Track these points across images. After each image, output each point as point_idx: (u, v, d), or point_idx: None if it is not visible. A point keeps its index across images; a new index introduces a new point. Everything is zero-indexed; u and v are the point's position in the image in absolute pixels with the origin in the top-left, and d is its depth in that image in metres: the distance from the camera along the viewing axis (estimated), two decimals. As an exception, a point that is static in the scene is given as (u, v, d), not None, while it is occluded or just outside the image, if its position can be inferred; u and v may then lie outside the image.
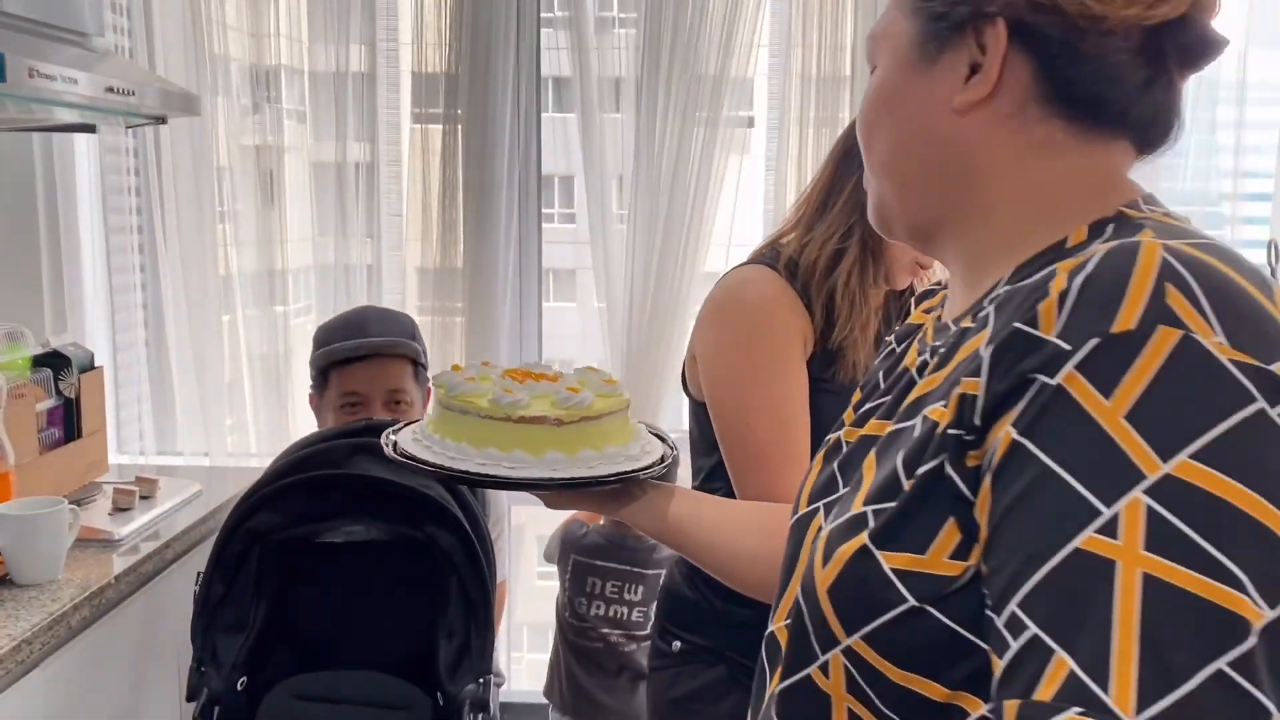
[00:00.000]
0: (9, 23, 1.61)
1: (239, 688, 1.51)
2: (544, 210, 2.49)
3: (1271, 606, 0.48)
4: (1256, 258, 2.23)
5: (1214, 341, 0.51)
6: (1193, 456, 0.50)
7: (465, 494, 1.56)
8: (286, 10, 2.42)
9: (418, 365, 1.84)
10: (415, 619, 1.55)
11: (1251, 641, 0.47)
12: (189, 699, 1.50)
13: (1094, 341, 0.52)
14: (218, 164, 2.44)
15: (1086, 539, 0.50)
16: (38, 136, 2.22)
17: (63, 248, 2.28)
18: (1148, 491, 0.50)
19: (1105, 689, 0.47)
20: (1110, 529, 0.50)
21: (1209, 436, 0.50)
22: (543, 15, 2.38)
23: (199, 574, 1.55)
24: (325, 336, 1.84)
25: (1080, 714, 0.47)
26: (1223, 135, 2.25)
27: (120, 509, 1.79)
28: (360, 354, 1.79)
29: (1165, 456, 0.50)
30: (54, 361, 1.86)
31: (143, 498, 1.84)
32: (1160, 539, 0.49)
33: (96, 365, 1.97)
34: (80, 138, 2.30)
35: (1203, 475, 0.49)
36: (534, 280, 2.49)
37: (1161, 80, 0.64)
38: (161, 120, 1.95)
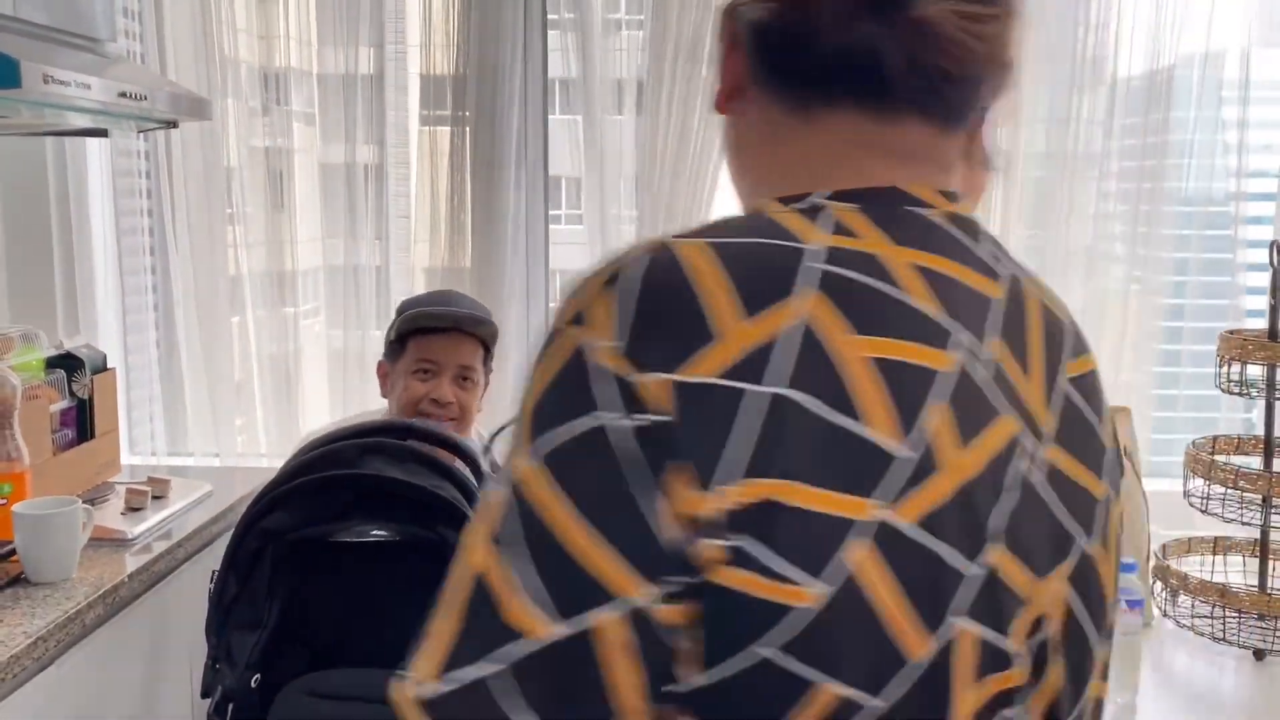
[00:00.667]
0: (23, 29, 1.63)
1: (253, 685, 1.52)
2: (551, 211, 2.50)
3: (565, 619, 0.48)
4: (1259, 258, 2.24)
5: (605, 346, 0.50)
6: (544, 459, 0.50)
7: (478, 494, 1.58)
8: (296, 13, 2.43)
9: (489, 351, 1.90)
10: (427, 618, 1.57)
11: (523, 652, 0.48)
12: (203, 695, 1.52)
13: (546, 335, 0.54)
14: (228, 166, 2.46)
15: (471, 529, 0.53)
16: (50, 141, 2.24)
17: (75, 251, 2.30)
18: (511, 487, 0.52)
19: (420, 663, 0.51)
20: (475, 519, 0.53)
21: (554, 444, 0.50)
22: (549, 17, 2.39)
23: (213, 573, 1.57)
24: (411, 305, 1.90)
25: (401, 678, 0.51)
26: (1227, 135, 2.25)
27: (133, 509, 1.81)
28: (444, 325, 1.85)
29: (529, 457, 0.51)
30: (67, 363, 1.88)
31: (155, 498, 1.85)
32: (499, 536, 0.51)
33: (109, 367, 1.98)
34: (92, 141, 2.31)
35: (538, 481, 0.50)
36: (541, 281, 2.50)
37: (846, 23, 0.59)
38: (173, 124, 1.97)
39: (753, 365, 0.50)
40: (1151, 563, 1.62)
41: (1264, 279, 2.05)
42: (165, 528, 1.80)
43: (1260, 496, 1.53)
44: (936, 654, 0.52)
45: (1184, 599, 1.57)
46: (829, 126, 0.61)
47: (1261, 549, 1.57)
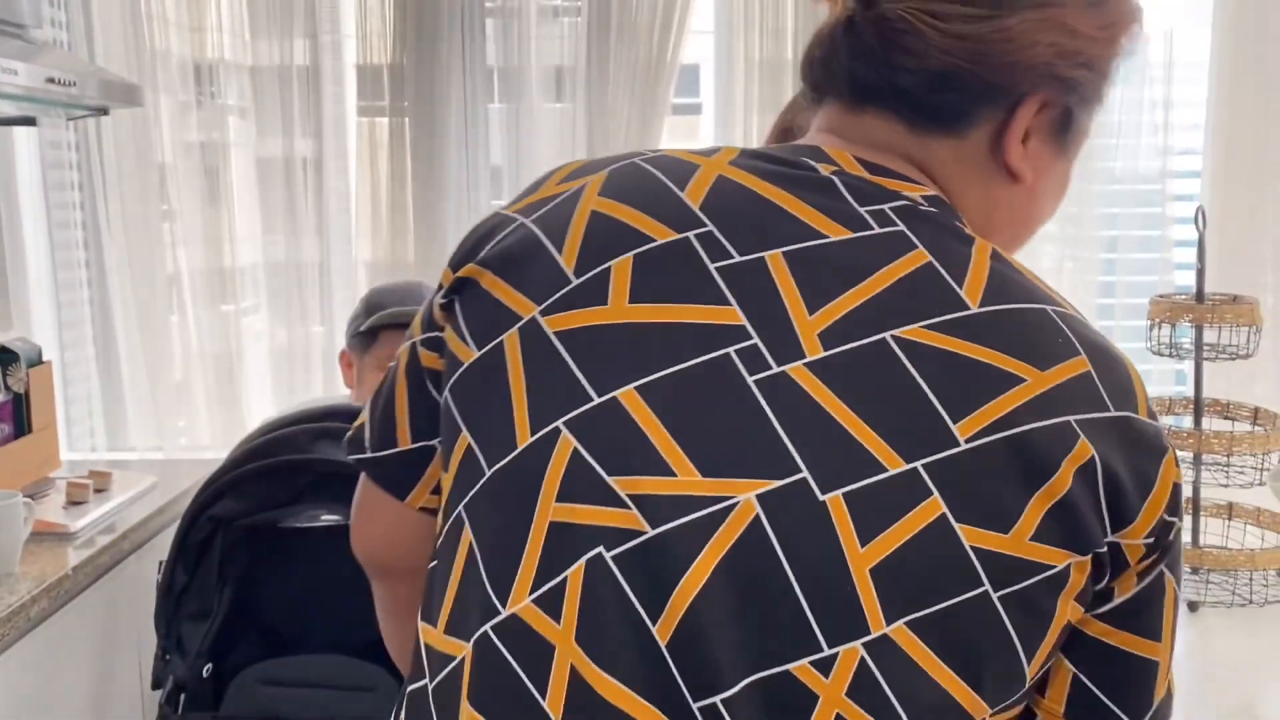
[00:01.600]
0: (-55, 13, 1.59)
1: (205, 674, 1.50)
2: (493, 202, 2.49)
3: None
4: (1186, 234, 2.31)
5: None
6: None
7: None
8: (227, 4, 2.40)
9: None
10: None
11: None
12: (154, 687, 1.50)
13: None
14: (161, 161, 2.42)
15: None
16: (-24, 132, 2.18)
17: (5, 244, 2.24)
18: None
19: None
20: None
21: None
22: (486, 5, 2.39)
23: (161, 563, 1.54)
24: (384, 299, 1.84)
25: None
26: (1154, 114, 2.32)
27: (74, 502, 1.77)
28: None
29: None
30: (2, 356, 1.83)
31: (96, 491, 1.82)
32: None
33: (44, 360, 1.94)
34: (19, 132, 2.26)
35: None
36: (485, 271, 2.49)
37: (828, 28, 0.69)
38: (103, 111, 1.93)
39: (533, 208, 0.67)
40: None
41: (1192, 254, 2.12)
42: (108, 520, 1.77)
43: (1191, 454, 1.58)
44: (535, 448, 0.60)
45: (1122, 556, 1.62)
46: (821, 116, 0.71)
47: (1194, 506, 1.62)
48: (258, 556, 1.56)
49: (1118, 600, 0.62)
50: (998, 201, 0.68)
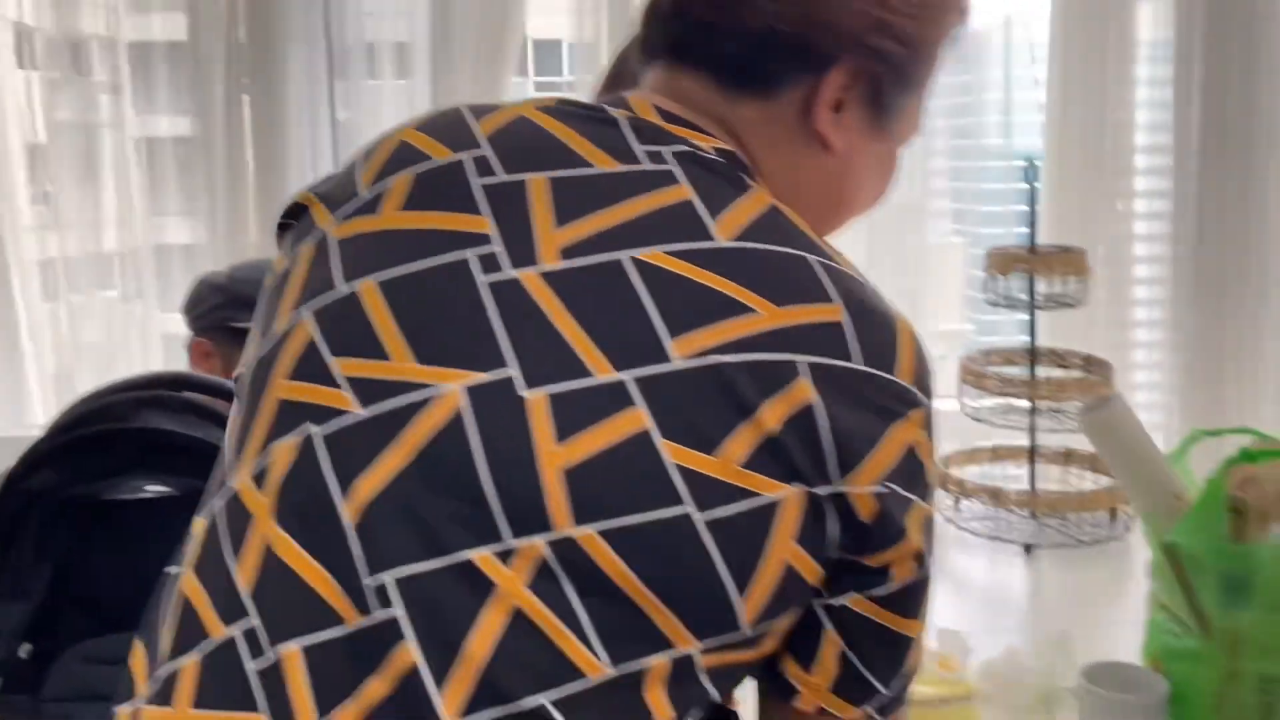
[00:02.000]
0: None
1: (23, 656, 1.45)
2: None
3: None
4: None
5: None
6: None
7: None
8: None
9: None
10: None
11: None
12: (-36, 670, 1.43)
13: None
14: (26, 142, 2.35)
15: None
16: None
17: None
18: None
19: None
20: None
21: None
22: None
23: (-27, 541, 1.48)
24: (250, 291, 1.71)
25: None
26: (997, 93, 2.37)
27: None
28: None
29: None
30: None
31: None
32: None
33: None
34: None
35: None
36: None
37: None
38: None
39: (365, 150, 0.71)
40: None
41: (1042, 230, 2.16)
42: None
43: (1026, 402, 1.61)
44: (283, 335, 0.64)
45: (965, 504, 1.64)
46: (647, 77, 0.73)
47: (1030, 452, 1.65)
48: (81, 531, 1.51)
49: (894, 585, 0.62)
50: (807, 170, 0.69)
